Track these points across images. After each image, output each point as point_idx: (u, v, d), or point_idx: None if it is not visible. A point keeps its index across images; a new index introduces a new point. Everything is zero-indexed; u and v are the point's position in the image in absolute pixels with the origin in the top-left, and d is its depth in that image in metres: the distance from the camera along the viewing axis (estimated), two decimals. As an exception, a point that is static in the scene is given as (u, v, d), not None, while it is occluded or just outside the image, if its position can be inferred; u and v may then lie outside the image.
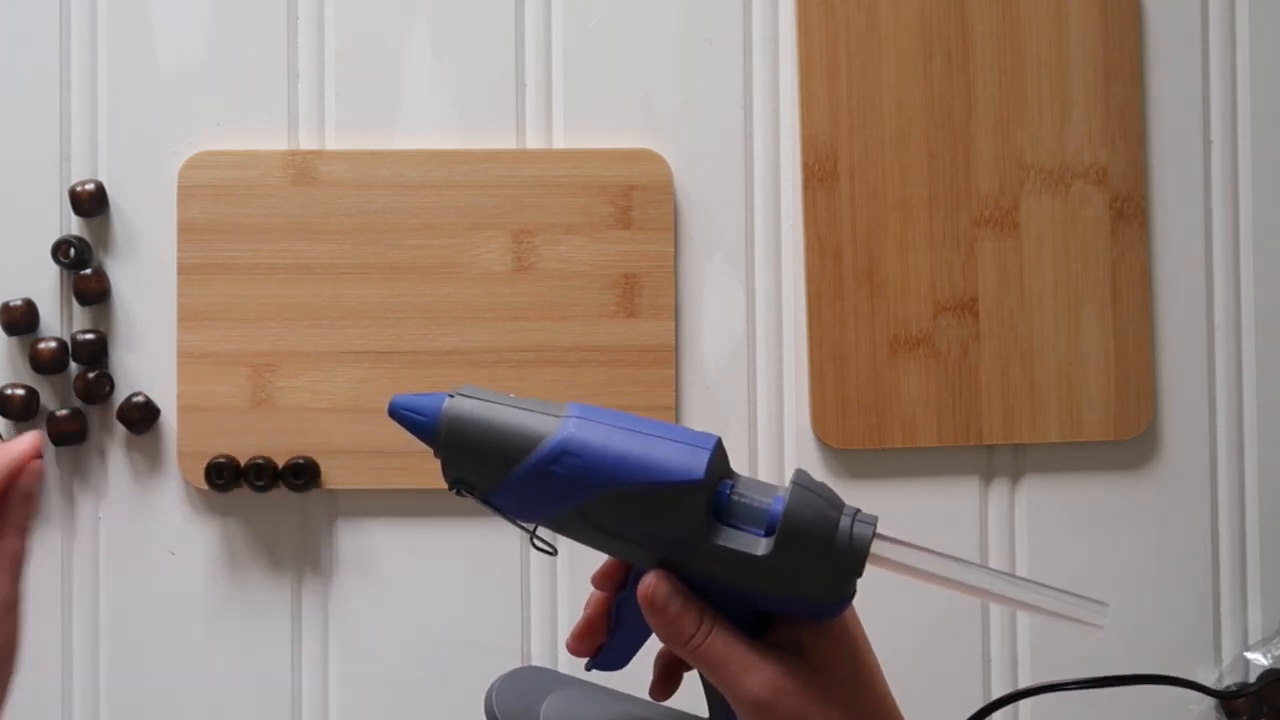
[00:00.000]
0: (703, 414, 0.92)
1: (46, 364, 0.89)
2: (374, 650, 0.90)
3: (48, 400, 0.91)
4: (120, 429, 0.90)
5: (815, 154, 0.92)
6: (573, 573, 0.89)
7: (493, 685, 0.82)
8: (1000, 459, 0.93)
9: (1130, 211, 0.93)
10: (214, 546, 0.89)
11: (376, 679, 0.90)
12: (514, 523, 0.55)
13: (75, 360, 0.90)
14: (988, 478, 0.93)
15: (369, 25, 0.93)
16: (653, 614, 0.53)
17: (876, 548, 0.51)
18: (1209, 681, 0.91)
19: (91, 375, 0.89)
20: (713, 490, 0.52)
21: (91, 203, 0.90)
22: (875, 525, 0.51)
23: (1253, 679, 0.91)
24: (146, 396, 0.90)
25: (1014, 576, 0.52)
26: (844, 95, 0.92)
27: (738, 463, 0.92)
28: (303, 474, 0.88)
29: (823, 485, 0.52)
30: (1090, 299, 0.92)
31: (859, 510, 0.52)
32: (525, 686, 0.77)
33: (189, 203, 0.91)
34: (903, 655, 0.91)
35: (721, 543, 0.52)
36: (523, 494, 0.53)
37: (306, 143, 0.92)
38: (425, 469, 0.90)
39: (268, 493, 0.89)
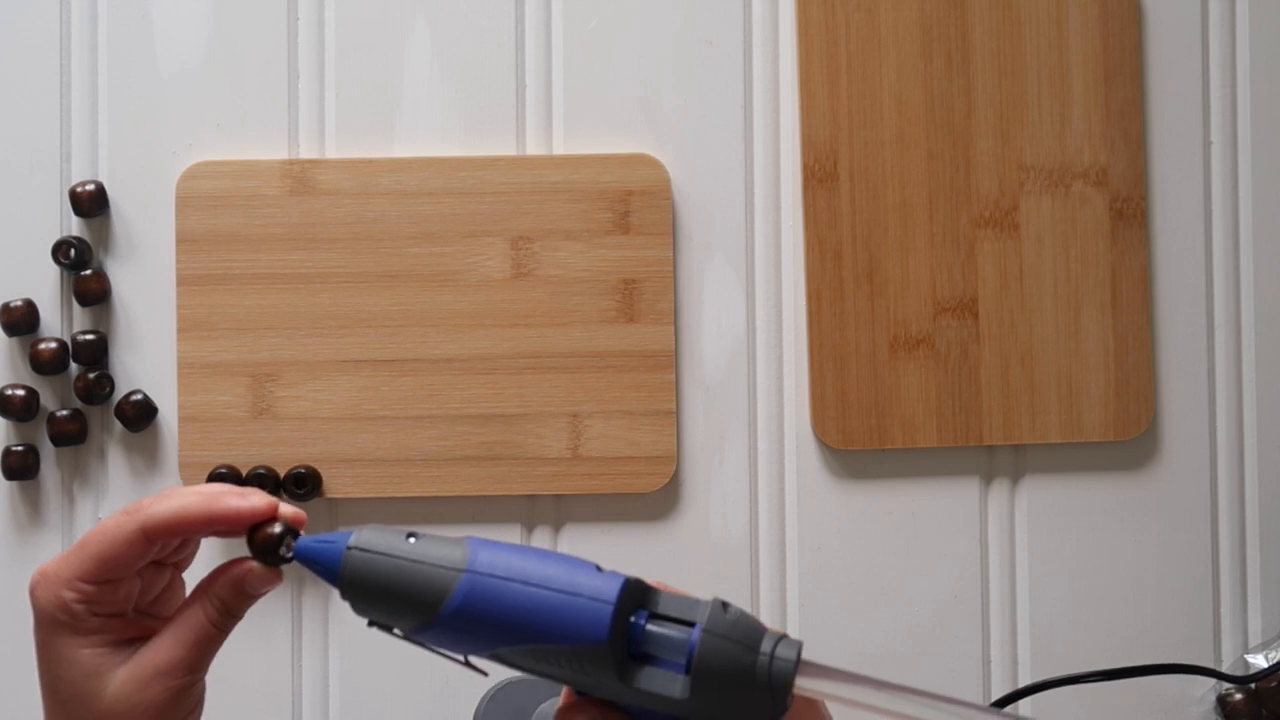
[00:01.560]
0: (703, 416, 0.92)
1: (47, 364, 0.89)
2: (373, 656, 0.91)
3: (48, 401, 0.91)
4: (120, 430, 0.91)
5: (815, 154, 0.92)
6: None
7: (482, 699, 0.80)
8: (1000, 459, 0.93)
9: (1130, 212, 0.92)
10: (215, 554, 0.89)
11: (376, 685, 0.90)
12: (443, 655, 0.54)
13: (75, 361, 0.90)
14: (988, 478, 0.93)
15: (368, 32, 0.93)
16: None
17: (801, 683, 0.50)
18: (1209, 686, 0.91)
19: (92, 376, 0.89)
20: (622, 639, 0.51)
21: (92, 203, 0.90)
22: (797, 660, 0.50)
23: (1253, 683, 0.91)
24: (144, 394, 0.90)
25: (948, 700, 0.50)
26: (844, 95, 0.92)
27: (738, 464, 0.92)
28: (304, 484, 0.88)
29: (739, 618, 0.50)
30: (1090, 299, 0.92)
31: (780, 640, 0.50)
32: (517, 700, 0.76)
33: (187, 213, 0.90)
34: (901, 656, 0.92)
35: (639, 685, 0.50)
36: (437, 641, 0.52)
37: (306, 146, 0.92)
38: (425, 478, 0.90)
39: (269, 500, 0.89)
